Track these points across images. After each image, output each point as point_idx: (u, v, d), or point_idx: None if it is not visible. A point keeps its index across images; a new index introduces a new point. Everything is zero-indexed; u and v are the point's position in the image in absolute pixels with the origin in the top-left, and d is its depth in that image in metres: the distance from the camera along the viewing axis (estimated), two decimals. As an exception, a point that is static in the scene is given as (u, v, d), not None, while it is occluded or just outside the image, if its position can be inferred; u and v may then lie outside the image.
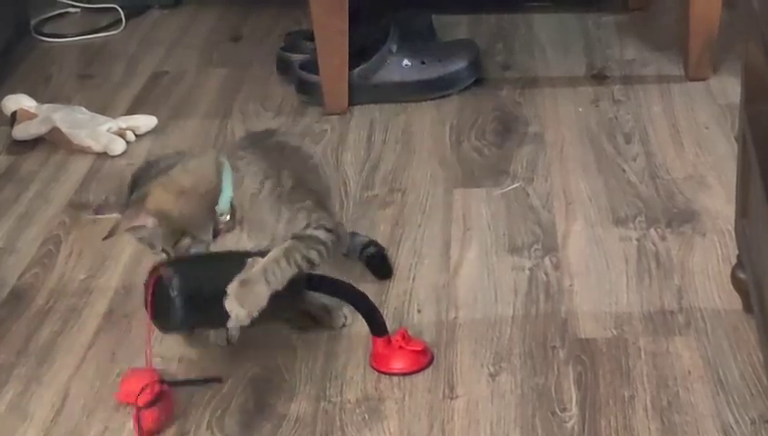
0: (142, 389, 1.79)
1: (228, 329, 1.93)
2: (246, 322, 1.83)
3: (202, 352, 2.00)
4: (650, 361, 1.90)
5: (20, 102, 2.78)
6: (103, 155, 2.66)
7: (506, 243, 2.25)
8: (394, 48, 2.84)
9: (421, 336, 1.98)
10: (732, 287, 2.01)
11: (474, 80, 2.88)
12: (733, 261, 2.02)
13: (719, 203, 2.32)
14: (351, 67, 2.79)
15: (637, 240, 2.23)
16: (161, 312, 1.83)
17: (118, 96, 2.96)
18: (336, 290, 1.98)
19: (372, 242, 2.18)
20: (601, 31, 3.15)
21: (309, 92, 2.85)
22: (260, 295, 1.83)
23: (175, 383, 1.87)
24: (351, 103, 2.80)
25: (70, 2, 3.49)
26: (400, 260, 2.21)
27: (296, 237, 1.90)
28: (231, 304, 1.82)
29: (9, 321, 2.11)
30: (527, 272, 2.16)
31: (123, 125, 2.72)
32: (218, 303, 1.82)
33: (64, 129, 2.68)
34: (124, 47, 3.27)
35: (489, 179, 2.48)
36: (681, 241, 2.22)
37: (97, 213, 2.42)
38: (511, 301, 2.08)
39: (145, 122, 2.75)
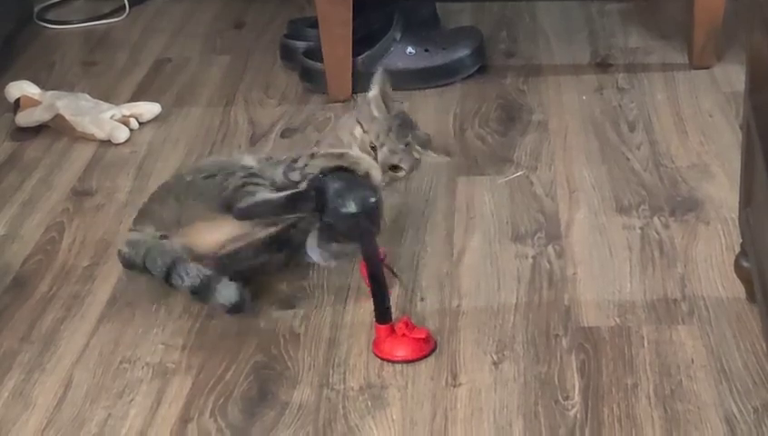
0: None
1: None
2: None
3: (206, 341, 2.00)
4: (653, 349, 1.90)
5: (23, 88, 2.77)
6: (107, 143, 2.66)
7: (509, 231, 2.25)
8: (398, 36, 2.84)
9: (424, 324, 1.98)
10: (735, 276, 2.01)
11: (477, 68, 2.88)
12: (737, 249, 2.02)
13: (723, 191, 2.31)
14: (355, 55, 2.79)
15: (641, 228, 2.23)
16: None
17: (121, 83, 2.96)
18: (370, 256, 1.95)
19: None
20: (605, 19, 3.15)
21: (312, 79, 2.85)
22: None
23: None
24: (355, 90, 2.80)
25: (73, -12, 3.50)
26: (404, 248, 2.20)
27: None
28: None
29: (12, 307, 2.12)
30: (531, 260, 2.15)
31: (127, 113, 2.72)
32: None
33: (67, 116, 2.68)
34: (128, 34, 3.27)
35: (493, 167, 2.48)
36: (684, 229, 2.21)
37: None
38: (514, 289, 2.08)
39: (149, 109, 2.75)
